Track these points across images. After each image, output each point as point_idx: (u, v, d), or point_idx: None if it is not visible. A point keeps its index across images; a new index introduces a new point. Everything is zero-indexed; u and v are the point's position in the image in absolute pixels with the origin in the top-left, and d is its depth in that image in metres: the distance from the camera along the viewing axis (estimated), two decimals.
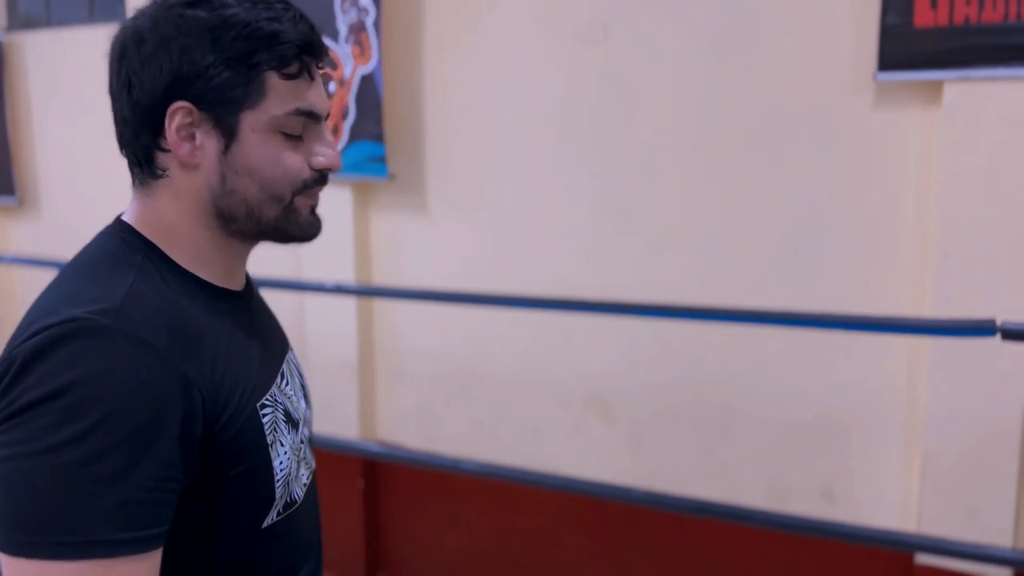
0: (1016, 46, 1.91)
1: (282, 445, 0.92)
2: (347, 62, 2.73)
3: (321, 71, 0.92)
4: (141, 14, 0.88)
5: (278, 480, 0.90)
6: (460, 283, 2.70)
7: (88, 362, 0.75)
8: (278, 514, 0.92)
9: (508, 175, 2.66)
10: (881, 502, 2.25)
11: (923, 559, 2.17)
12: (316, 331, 2.96)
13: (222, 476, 0.85)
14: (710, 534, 2.46)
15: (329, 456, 2.67)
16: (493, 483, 2.68)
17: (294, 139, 0.90)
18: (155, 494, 0.77)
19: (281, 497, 0.92)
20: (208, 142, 0.87)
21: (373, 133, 2.73)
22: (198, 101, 0.85)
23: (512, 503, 2.77)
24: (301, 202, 0.92)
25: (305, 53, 0.88)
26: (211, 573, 0.88)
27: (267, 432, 0.90)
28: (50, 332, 0.76)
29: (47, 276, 3.40)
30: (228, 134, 0.87)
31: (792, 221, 2.27)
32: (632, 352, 2.52)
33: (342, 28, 2.72)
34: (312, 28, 0.90)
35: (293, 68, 0.87)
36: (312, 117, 0.90)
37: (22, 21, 3.78)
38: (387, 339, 2.95)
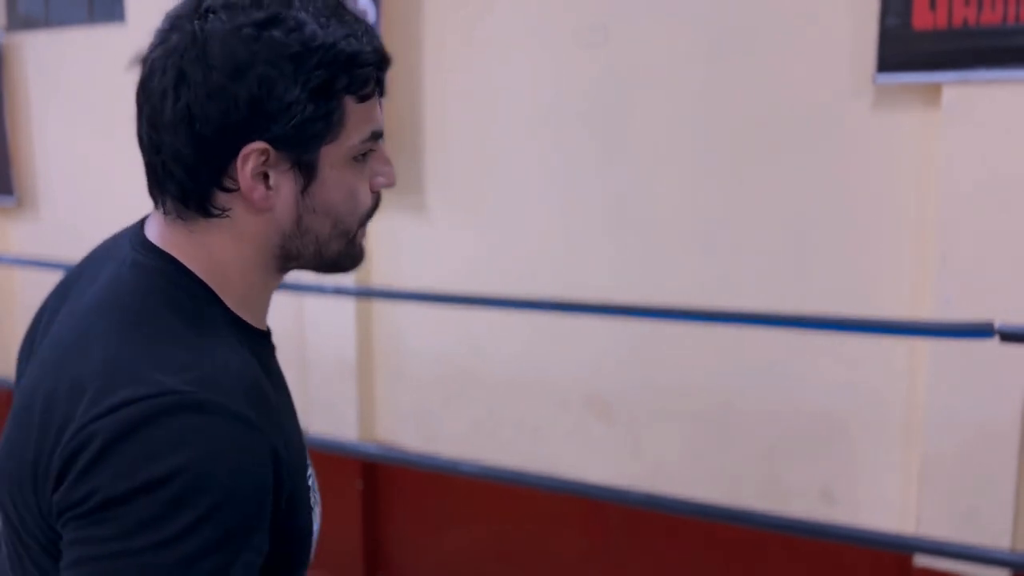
0: (1015, 48, 1.92)
1: (317, 504, 0.85)
2: None
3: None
4: (196, 31, 0.73)
5: (314, 543, 0.84)
6: (459, 284, 2.70)
7: (195, 444, 0.65)
8: (300, 573, 0.85)
9: (507, 176, 2.66)
10: (880, 503, 2.25)
11: (921, 560, 2.16)
12: (315, 332, 2.96)
13: (277, 546, 0.75)
14: (709, 535, 2.46)
15: (328, 457, 2.66)
16: (492, 484, 2.68)
17: (363, 166, 0.81)
18: None
19: (311, 559, 0.85)
20: (284, 183, 0.76)
21: None
22: (276, 140, 0.74)
23: (511, 504, 2.77)
24: (360, 233, 0.84)
25: (379, 70, 0.79)
26: None
27: (311, 494, 0.83)
28: (142, 406, 0.65)
29: (46, 277, 3.39)
30: (308, 173, 0.77)
31: (791, 223, 2.27)
32: (631, 353, 2.52)
33: None
34: (379, 38, 0.79)
35: (368, 89, 0.77)
36: (381, 138, 0.82)
37: (21, 21, 3.77)
38: (386, 340, 2.95)
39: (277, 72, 0.72)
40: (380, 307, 2.93)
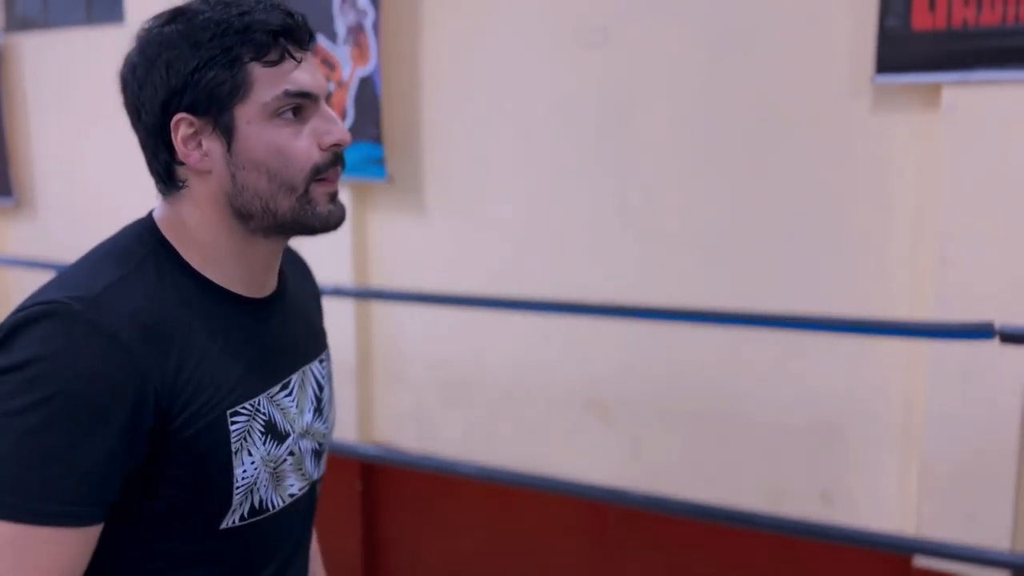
0: (1015, 49, 1.91)
1: (250, 455, 0.92)
2: (346, 64, 2.73)
3: (305, 52, 0.93)
4: (132, 46, 0.92)
5: (238, 487, 0.91)
6: (458, 285, 2.69)
7: (51, 342, 0.80)
8: (241, 518, 0.93)
9: (506, 177, 2.65)
10: (879, 505, 2.25)
11: (921, 561, 2.16)
12: None
13: (174, 472, 0.87)
14: (709, 537, 2.45)
15: (327, 458, 2.66)
16: (491, 486, 2.68)
17: (295, 124, 0.91)
18: (93, 475, 0.81)
19: (242, 504, 0.93)
20: (213, 146, 0.90)
21: (372, 134, 2.72)
22: (194, 109, 0.89)
23: (510, 506, 2.77)
24: (317, 191, 0.93)
25: (283, 37, 0.90)
26: (157, 560, 0.91)
27: (234, 440, 0.91)
28: (31, 310, 0.82)
29: (44, 277, 3.39)
30: (227, 132, 0.90)
31: (791, 224, 2.27)
32: (631, 354, 2.52)
33: (341, 30, 2.72)
34: (289, 14, 0.91)
35: (273, 55, 0.89)
36: (307, 97, 0.91)
37: (20, 22, 3.77)
38: (385, 341, 2.94)
39: (177, 53, 0.88)
40: (379, 308, 2.93)
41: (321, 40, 2.76)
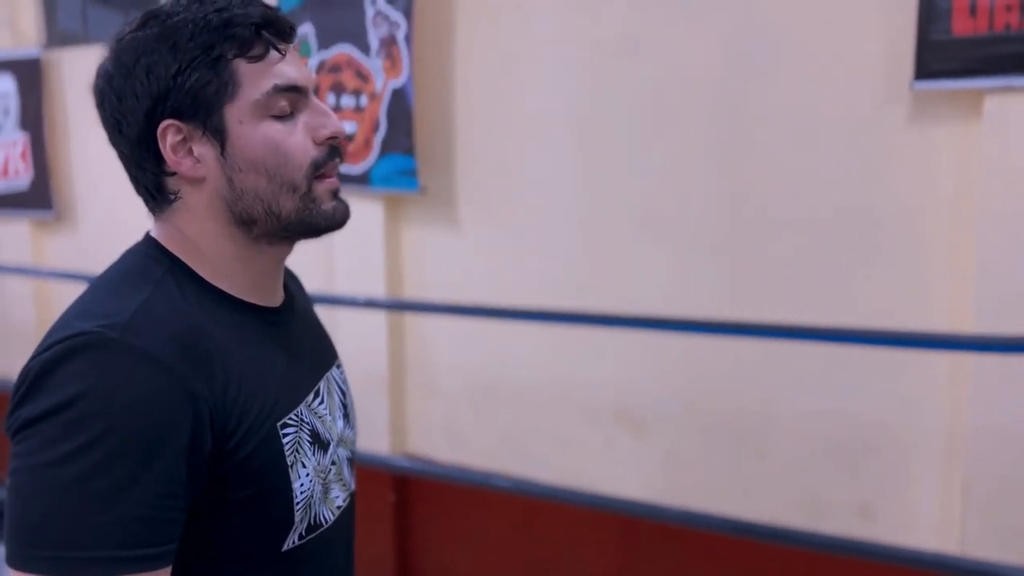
0: None
1: (304, 467, 0.89)
2: (379, 76, 2.75)
3: (287, 44, 0.89)
4: (104, 56, 0.88)
5: (298, 503, 0.88)
6: (491, 296, 2.69)
7: (92, 376, 0.75)
8: (300, 537, 0.89)
9: (538, 188, 2.65)
10: (920, 522, 2.20)
11: None
12: (347, 345, 2.95)
13: (236, 496, 0.83)
14: (743, 553, 2.41)
15: (360, 470, 2.66)
16: (523, 499, 2.66)
17: (287, 119, 0.88)
18: (158, 511, 0.75)
19: (302, 520, 0.89)
20: (205, 151, 0.86)
21: (404, 146, 2.74)
22: (180, 114, 0.85)
23: (542, 519, 2.75)
24: (319, 189, 0.90)
25: (265, 30, 0.86)
26: None
27: (287, 453, 0.87)
28: (61, 346, 0.76)
29: (83, 290, 3.46)
30: (219, 135, 0.86)
31: (827, 233, 2.24)
32: (663, 366, 2.50)
33: (374, 42, 2.74)
34: (266, 7, 0.88)
35: (257, 49, 0.86)
36: (296, 91, 0.88)
37: (60, 38, 3.85)
38: (417, 353, 2.95)
39: (155, 58, 0.84)
40: (411, 320, 2.94)
41: (354, 52, 2.78)
